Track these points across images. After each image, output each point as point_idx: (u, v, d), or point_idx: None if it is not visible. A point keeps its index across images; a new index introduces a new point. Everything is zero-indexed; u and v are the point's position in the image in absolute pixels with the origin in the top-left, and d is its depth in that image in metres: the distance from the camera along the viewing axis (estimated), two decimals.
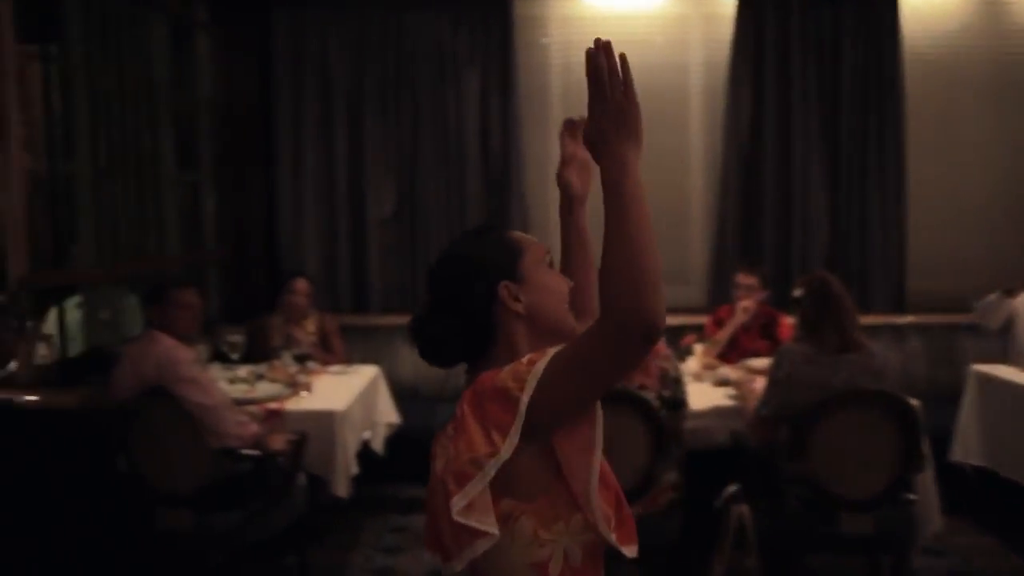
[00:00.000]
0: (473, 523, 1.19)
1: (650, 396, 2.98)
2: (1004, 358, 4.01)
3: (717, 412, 3.42)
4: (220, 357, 4.08)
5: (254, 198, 5.04)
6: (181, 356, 3.06)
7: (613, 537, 1.26)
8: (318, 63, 4.96)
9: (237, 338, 3.99)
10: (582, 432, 1.24)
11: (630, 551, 1.28)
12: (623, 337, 1.13)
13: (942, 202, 4.95)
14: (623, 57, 1.16)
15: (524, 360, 1.22)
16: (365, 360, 4.42)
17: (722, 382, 3.74)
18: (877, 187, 4.86)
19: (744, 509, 3.27)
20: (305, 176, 5.00)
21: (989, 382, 3.92)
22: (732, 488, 3.41)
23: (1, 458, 3.05)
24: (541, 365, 1.19)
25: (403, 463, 3.83)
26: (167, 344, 3.08)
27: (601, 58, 1.15)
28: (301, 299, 4.40)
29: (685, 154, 5.10)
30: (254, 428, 3.14)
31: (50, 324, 3.56)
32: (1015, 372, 3.86)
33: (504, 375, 1.21)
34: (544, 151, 5.10)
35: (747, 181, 4.95)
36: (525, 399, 1.17)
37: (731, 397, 3.55)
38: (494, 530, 1.19)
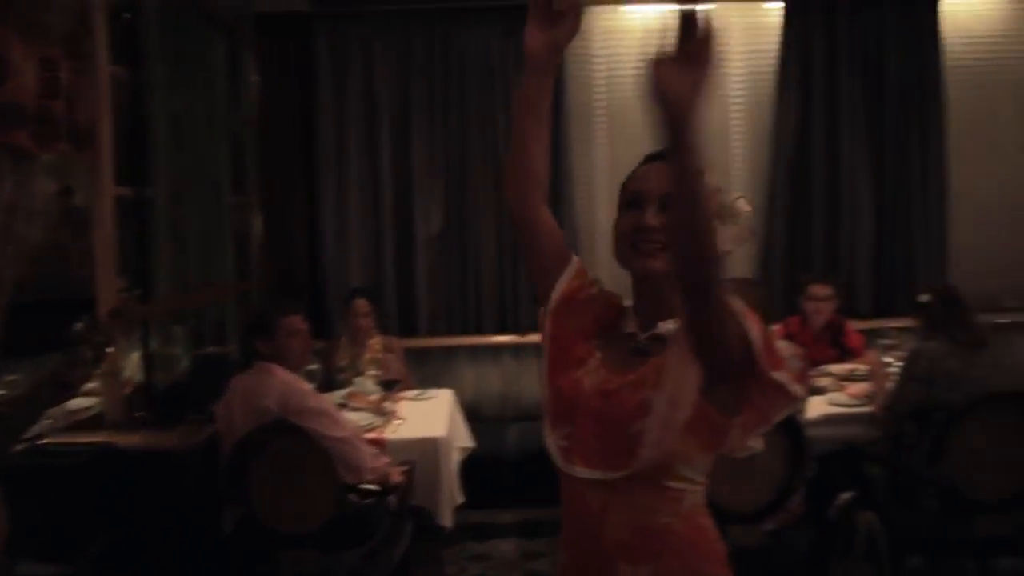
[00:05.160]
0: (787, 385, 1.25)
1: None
2: None
3: (829, 420, 3.41)
4: None
5: (298, 220, 4.89)
6: (304, 388, 2.92)
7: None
8: (361, 78, 4.85)
9: (314, 367, 3.82)
10: None
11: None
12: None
13: (983, 204, 5.06)
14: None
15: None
16: (423, 383, 4.30)
17: (814, 391, 3.73)
18: (920, 191, 4.95)
19: (871, 516, 3.26)
20: (349, 196, 4.87)
21: None
22: (847, 495, 3.40)
23: (109, 509, 2.85)
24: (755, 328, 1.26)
25: (473, 488, 3.73)
26: (285, 377, 2.93)
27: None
28: (365, 320, 4.25)
29: (726, 164, 5.12)
30: (385, 459, 3.00)
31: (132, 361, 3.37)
32: None
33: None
34: (590, 166, 5.06)
35: (794, 191, 4.98)
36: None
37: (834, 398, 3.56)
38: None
